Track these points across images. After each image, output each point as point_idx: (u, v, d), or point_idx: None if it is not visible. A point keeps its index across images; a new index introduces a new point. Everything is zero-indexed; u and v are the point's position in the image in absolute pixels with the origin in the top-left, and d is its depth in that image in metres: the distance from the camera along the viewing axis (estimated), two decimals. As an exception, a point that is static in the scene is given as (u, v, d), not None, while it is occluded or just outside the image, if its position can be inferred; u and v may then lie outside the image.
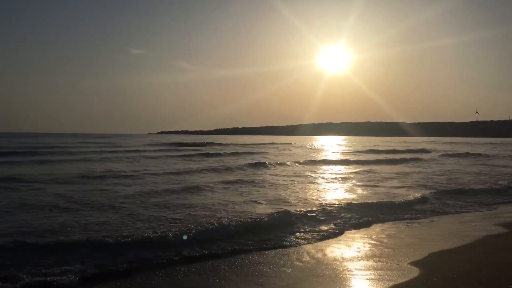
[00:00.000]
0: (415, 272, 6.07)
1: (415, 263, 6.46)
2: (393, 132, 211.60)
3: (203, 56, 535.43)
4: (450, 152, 41.39)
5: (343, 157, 33.66)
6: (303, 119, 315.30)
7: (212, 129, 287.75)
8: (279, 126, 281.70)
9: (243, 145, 59.70)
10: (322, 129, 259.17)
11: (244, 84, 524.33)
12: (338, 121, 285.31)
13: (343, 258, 6.79)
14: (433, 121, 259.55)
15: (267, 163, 24.67)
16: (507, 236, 8.56)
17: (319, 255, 6.98)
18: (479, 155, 38.53)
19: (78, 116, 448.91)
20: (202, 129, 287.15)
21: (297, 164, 25.96)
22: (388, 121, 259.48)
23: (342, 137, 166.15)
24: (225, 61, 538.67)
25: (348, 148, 54.32)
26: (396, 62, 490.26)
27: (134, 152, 36.49)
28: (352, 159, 31.02)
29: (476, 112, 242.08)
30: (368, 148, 52.27)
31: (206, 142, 62.45)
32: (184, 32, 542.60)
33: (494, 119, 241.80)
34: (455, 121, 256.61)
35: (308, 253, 7.08)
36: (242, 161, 27.88)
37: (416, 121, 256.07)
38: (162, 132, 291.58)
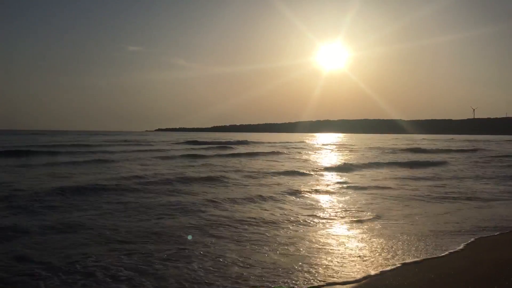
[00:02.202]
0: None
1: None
2: (391, 129, 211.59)
3: (200, 53, 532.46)
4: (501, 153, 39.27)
5: (415, 158, 31.77)
6: (300, 117, 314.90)
7: (209, 126, 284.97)
8: (277, 124, 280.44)
9: (277, 144, 57.63)
10: (320, 126, 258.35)
11: (242, 82, 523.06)
12: (335, 119, 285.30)
13: None
14: (430, 118, 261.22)
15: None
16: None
17: None
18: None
19: (74, 114, 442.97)
20: (199, 126, 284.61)
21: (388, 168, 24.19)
22: (385, 118, 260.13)
23: (342, 135, 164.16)
24: (223, 58, 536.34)
25: (381, 146, 51.68)
26: (394, 59, 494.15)
27: (187, 151, 35.34)
28: (432, 160, 29.24)
29: (474, 109, 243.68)
30: (407, 146, 50.63)
31: (247, 141, 59.48)
32: (181, 29, 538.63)
33: (491, 117, 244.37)
34: (453, 118, 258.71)
35: None
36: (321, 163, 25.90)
37: (414, 119, 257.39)
38: (159, 129, 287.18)
